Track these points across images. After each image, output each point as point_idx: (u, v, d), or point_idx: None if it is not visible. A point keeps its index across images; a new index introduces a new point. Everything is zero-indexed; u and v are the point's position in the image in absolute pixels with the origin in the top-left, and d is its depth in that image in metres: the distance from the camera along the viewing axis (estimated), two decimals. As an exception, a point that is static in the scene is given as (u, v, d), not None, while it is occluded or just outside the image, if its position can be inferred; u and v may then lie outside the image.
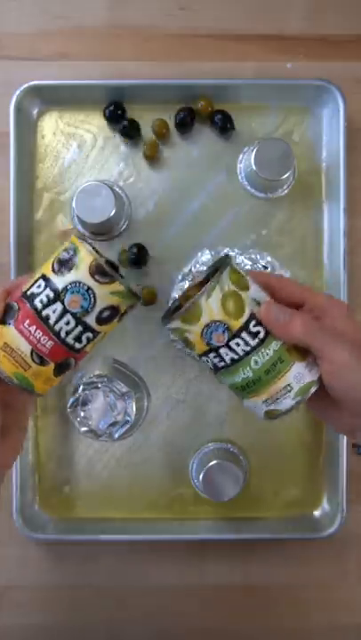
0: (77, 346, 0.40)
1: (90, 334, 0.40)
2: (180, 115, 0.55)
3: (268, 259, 0.50)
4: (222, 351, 0.38)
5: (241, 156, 0.56)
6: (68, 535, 0.56)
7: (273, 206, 0.57)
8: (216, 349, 0.39)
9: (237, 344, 0.38)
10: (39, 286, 0.39)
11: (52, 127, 0.57)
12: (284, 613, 0.58)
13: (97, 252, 0.40)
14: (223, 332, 0.38)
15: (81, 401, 0.50)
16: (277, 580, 0.58)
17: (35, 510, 0.57)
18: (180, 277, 0.51)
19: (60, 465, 0.57)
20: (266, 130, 0.57)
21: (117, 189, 0.54)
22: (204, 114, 0.55)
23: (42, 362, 0.40)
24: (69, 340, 0.40)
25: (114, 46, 0.57)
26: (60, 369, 0.41)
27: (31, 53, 0.57)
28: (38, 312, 0.39)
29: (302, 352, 0.39)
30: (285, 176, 0.53)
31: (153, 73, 0.56)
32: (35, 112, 0.56)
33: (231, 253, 0.40)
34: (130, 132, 0.55)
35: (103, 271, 0.38)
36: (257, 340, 0.38)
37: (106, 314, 0.40)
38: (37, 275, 0.40)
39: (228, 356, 0.39)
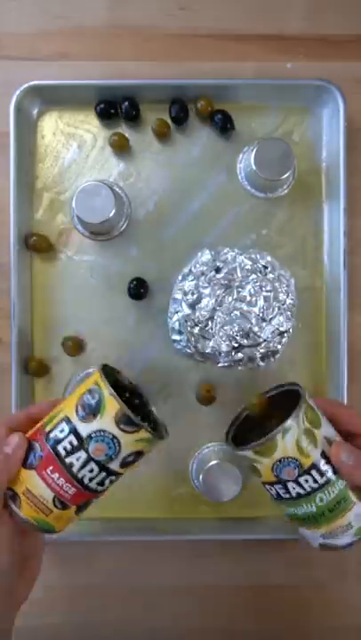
0: (99, 489, 0.40)
1: (113, 477, 0.40)
2: (175, 108, 0.55)
3: (268, 258, 0.50)
4: (290, 485, 0.40)
5: (241, 155, 0.56)
6: (68, 535, 0.56)
7: (273, 206, 0.57)
8: (284, 482, 0.40)
9: (306, 480, 0.39)
10: (62, 430, 0.39)
11: (52, 127, 0.57)
12: (284, 613, 0.58)
13: (121, 384, 0.41)
14: (294, 468, 0.39)
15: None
16: (277, 580, 0.58)
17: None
18: (180, 277, 0.51)
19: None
20: (266, 130, 0.57)
21: (117, 189, 0.54)
22: (204, 114, 0.56)
23: (64, 507, 0.40)
24: (92, 485, 0.40)
25: (114, 46, 0.57)
26: (81, 509, 0.41)
27: (31, 53, 0.57)
28: (62, 459, 0.39)
29: None
30: (285, 176, 0.53)
31: (153, 73, 0.56)
32: (35, 112, 0.56)
33: (305, 393, 0.42)
34: (129, 111, 0.55)
35: (129, 420, 0.38)
36: (325, 479, 0.39)
37: (130, 459, 0.40)
38: (60, 414, 0.40)
39: (294, 490, 0.40)
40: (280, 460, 0.39)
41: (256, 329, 0.47)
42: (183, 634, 0.58)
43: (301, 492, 0.40)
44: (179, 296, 0.49)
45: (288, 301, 0.49)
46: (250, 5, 0.57)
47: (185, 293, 0.48)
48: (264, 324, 0.47)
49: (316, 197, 0.57)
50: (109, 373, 0.42)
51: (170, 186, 0.57)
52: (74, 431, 0.38)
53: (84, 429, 0.38)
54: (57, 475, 0.39)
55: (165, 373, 0.57)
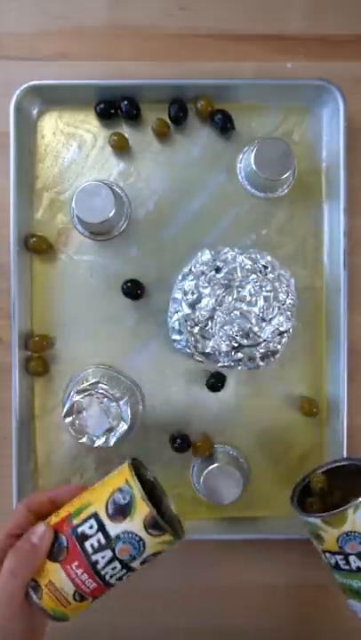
0: (117, 583, 0.41)
1: (130, 573, 0.41)
2: (174, 108, 0.55)
3: (268, 258, 0.50)
4: (352, 558, 0.41)
5: (241, 155, 0.56)
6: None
7: (273, 206, 0.57)
8: (346, 555, 0.41)
9: None
10: (91, 527, 0.39)
11: (52, 127, 0.57)
12: (285, 613, 0.58)
13: (144, 478, 0.42)
14: (360, 543, 0.40)
15: (75, 409, 0.50)
16: (277, 580, 0.58)
17: (35, 510, 0.57)
18: (180, 277, 0.51)
19: (60, 466, 0.57)
20: (266, 130, 0.57)
21: (117, 189, 0.54)
22: (204, 114, 0.56)
23: (82, 599, 0.41)
24: (112, 581, 0.41)
25: (114, 46, 0.57)
26: (95, 599, 0.42)
27: (31, 53, 0.57)
28: (88, 556, 0.39)
29: None
30: (285, 176, 0.53)
31: (153, 73, 0.56)
32: (35, 112, 0.56)
33: None
34: (130, 110, 0.55)
35: (157, 524, 0.39)
36: None
37: (150, 557, 0.41)
38: (89, 508, 0.40)
39: (355, 563, 0.41)
40: (347, 534, 0.40)
41: (256, 329, 0.47)
42: (183, 634, 0.58)
43: None
44: (179, 296, 0.49)
45: (288, 301, 0.49)
46: (250, 5, 0.57)
47: (185, 293, 0.48)
48: (264, 324, 0.47)
49: (316, 197, 0.57)
50: (137, 467, 0.43)
51: (170, 186, 0.57)
52: (102, 530, 0.39)
53: (113, 530, 0.39)
54: (81, 570, 0.40)
55: (165, 373, 0.57)
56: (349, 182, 0.54)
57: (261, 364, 0.49)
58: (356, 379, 0.56)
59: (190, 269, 0.50)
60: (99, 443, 0.51)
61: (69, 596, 0.40)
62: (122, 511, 0.39)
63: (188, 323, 0.48)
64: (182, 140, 0.57)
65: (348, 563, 0.41)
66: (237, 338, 0.47)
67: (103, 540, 0.39)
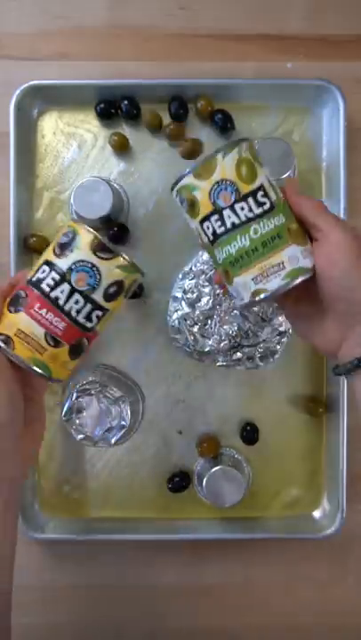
0: (89, 325, 0.41)
1: (99, 312, 0.41)
2: (174, 105, 0.55)
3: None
4: (225, 213, 0.39)
5: (241, 155, 0.56)
6: (67, 535, 0.56)
7: (273, 206, 0.57)
8: (220, 211, 0.39)
9: (242, 208, 0.38)
10: (44, 271, 0.40)
11: (52, 127, 0.57)
12: (284, 613, 0.58)
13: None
14: (231, 192, 0.38)
15: (75, 408, 0.50)
16: (277, 580, 0.58)
17: (35, 510, 0.57)
18: (180, 276, 0.51)
19: (60, 465, 0.57)
20: (266, 129, 0.57)
21: (116, 185, 0.54)
22: (204, 113, 0.56)
23: (56, 344, 0.40)
24: (80, 319, 0.40)
25: (114, 46, 0.57)
26: (75, 351, 0.41)
27: (31, 53, 0.57)
28: (47, 295, 0.40)
29: (302, 238, 0.39)
30: (285, 175, 0.53)
31: (153, 73, 0.56)
32: (35, 112, 0.57)
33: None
34: (130, 110, 0.55)
35: (105, 247, 0.39)
36: (261, 210, 0.38)
37: (112, 289, 0.40)
38: (39, 262, 0.41)
39: (230, 219, 0.39)
40: (218, 183, 0.38)
41: (255, 329, 0.47)
42: (183, 634, 0.58)
43: (236, 221, 0.38)
44: (179, 294, 0.49)
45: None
46: (250, 5, 0.57)
47: (185, 292, 0.49)
48: (263, 324, 0.48)
49: (316, 197, 0.57)
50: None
51: (170, 186, 0.56)
52: (54, 268, 0.40)
53: (64, 263, 0.40)
54: (45, 310, 0.40)
55: (165, 373, 0.57)
56: (349, 182, 0.54)
57: (260, 363, 0.49)
58: (357, 378, 0.55)
59: (190, 268, 0.50)
60: (98, 442, 0.51)
61: (41, 340, 0.40)
62: (68, 247, 0.40)
63: (188, 322, 0.48)
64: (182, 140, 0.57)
65: (223, 222, 0.39)
66: (237, 337, 0.47)
67: (57, 276, 0.39)
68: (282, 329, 0.48)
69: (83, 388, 0.51)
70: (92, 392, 0.50)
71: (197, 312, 0.47)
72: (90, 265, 0.39)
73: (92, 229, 0.40)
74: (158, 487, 0.57)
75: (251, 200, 0.38)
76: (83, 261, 0.39)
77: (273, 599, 0.58)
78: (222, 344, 0.47)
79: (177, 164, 0.56)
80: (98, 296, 0.40)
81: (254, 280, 0.39)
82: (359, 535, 0.58)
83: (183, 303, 0.48)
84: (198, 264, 0.49)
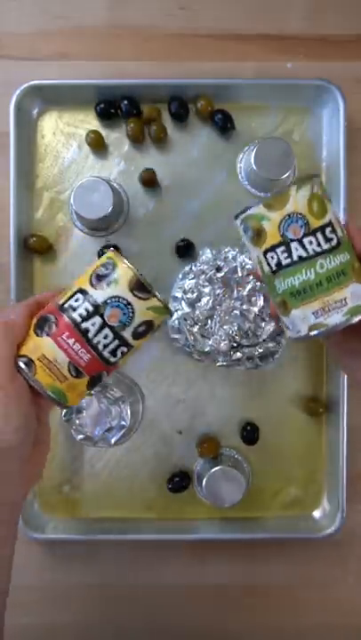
0: (112, 359, 0.40)
1: (125, 348, 0.40)
2: (174, 104, 0.55)
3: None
4: (293, 246, 0.39)
5: (241, 155, 0.56)
6: (67, 535, 0.56)
7: (273, 206, 0.57)
8: (288, 243, 0.39)
9: (310, 242, 0.39)
10: (77, 300, 0.39)
11: (52, 127, 0.57)
12: (284, 613, 0.58)
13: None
14: (301, 226, 0.38)
15: (75, 408, 0.50)
16: (277, 580, 0.58)
17: (35, 510, 0.57)
18: (180, 276, 0.51)
19: (60, 465, 0.57)
20: (266, 129, 0.57)
21: (116, 185, 0.54)
22: (204, 113, 0.56)
23: (78, 374, 0.40)
24: (106, 353, 0.40)
25: (114, 46, 0.57)
26: (93, 382, 0.41)
27: (31, 53, 0.57)
28: (77, 325, 0.39)
29: None
30: (285, 175, 0.53)
31: (153, 73, 0.56)
32: (35, 112, 0.57)
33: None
34: (130, 110, 0.55)
35: (142, 287, 0.39)
36: (329, 246, 0.39)
37: (142, 329, 0.40)
38: (73, 289, 0.40)
39: (297, 251, 0.39)
40: (290, 215, 0.39)
41: (255, 329, 0.47)
42: (183, 634, 0.58)
43: (303, 254, 0.39)
44: (179, 294, 0.49)
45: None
46: (250, 5, 0.57)
47: (185, 292, 0.49)
48: (263, 324, 0.48)
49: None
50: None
51: (170, 185, 0.57)
52: (89, 298, 0.39)
53: (100, 296, 0.39)
54: (73, 340, 0.39)
55: (166, 373, 0.57)
56: (349, 182, 0.54)
57: (260, 364, 0.49)
58: (357, 378, 0.55)
59: (191, 268, 0.50)
60: (98, 442, 0.51)
61: (64, 369, 0.39)
62: (106, 279, 0.39)
63: (188, 321, 0.48)
64: (182, 140, 0.57)
65: (290, 254, 0.39)
66: (237, 337, 0.47)
67: (91, 308, 0.39)
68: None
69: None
70: (92, 392, 0.50)
71: (197, 312, 0.47)
72: (125, 302, 0.39)
73: (132, 266, 0.39)
74: (158, 487, 0.57)
75: (320, 235, 0.39)
76: (119, 297, 0.39)
77: (273, 599, 0.58)
78: (222, 344, 0.47)
79: (177, 165, 0.56)
80: (127, 334, 0.40)
81: (315, 314, 0.39)
82: (359, 535, 0.58)
83: (183, 303, 0.48)
84: (198, 264, 0.49)
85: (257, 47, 0.57)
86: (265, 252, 0.40)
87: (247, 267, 0.48)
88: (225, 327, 0.47)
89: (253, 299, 0.47)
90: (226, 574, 0.58)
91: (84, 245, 0.56)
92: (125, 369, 0.56)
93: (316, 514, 0.57)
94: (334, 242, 0.39)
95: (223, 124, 0.55)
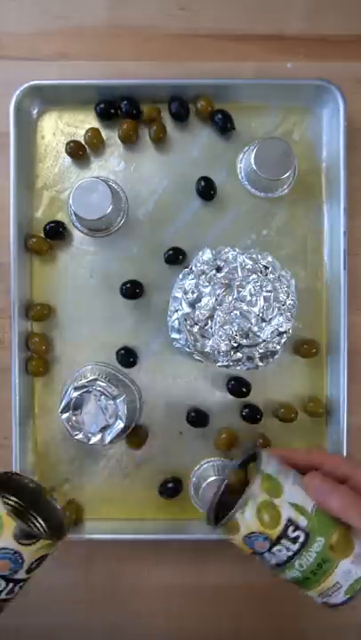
0: (10, 597, 0.41)
1: (21, 584, 0.41)
2: (175, 104, 0.55)
3: (269, 259, 0.49)
4: (266, 556, 0.40)
5: (241, 155, 0.56)
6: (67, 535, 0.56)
7: (273, 206, 0.57)
8: (261, 554, 0.40)
9: (279, 550, 0.39)
10: None
11: (52, 127, 0.57)
12: (285, 613, 0.58)
13: (19, 483, 0.42)
14: (263, 540, 0.39)
15: (72, 405, 0.50)
16: (277, 580, 0.58)
17: (34, 510, 0.57)
18: (180, 276, 0.51)
19: (60, 465, 0.57)
20: (266, 129, 0.57)
21: (114, 185, 0.54)
22: (204, 114, 0.56)
23: None
24: (2, 596, 0.40)
25: (114, 46, 0.57)
26: None
27: (31, 53, 0.57)
28: None
29: (347, 546, 0.39)
30: (285, 176, 0.53)
31: (153, 73, 0.56)
32: (35, 112, 0.57)
33: (264, 453, 0.42)
34: (130, 110, 0.55)
35: (29, 534, 0.39)
36: (298, 545, 0.39)
37: (35, 564, 0.41)
38: None
39: (272, 560, 0.40)
40: (248, 536, 0.39)
41: (256, 329, 0.47)
42: (183, 634, 0.58)
43: (279, 561, 0.39)
44: (179, 294, 0.49)
45: (288, 302, 0.49)
46: (250, 5, 0.57)
47: (185, 292, 0.48)
48: (264, 325, 0.47)
49: (316, 197, 0.57)
50: (3, 480, 0.43)
51: (170, 185, 0.57)
52: None
53: None
54: None
55: (165, 373, 0.57)
56: (349, 182, 0.54)
57: (260, 364, 0.49)
58: (356, 379, 0.55)
59: (191, 268, 0.50)
60: (94, 440, 0.51)
61: None
62: None
63: (188, 322, 0.48)
64: (182, 140, 0.57)
65: (267, 562, 0.40)
66: (237, 338, 0.47)
67: None
68: (282, 329, 0.48)
69: (81, 384, 0.51)
70: (90, 389, 0.50)
71: (197, 312, 0.47)
72: (12, 552, 0.39)
73: (13, 515, 0.39)
74: (158, 487, 0.57)
75: (284, 541, 0.39)
76: (5, 549, 0.39)
77: (273, 599, 0.58)
78: (222, 344, 0.47)
79: (177, 165, 0.56)
80: (21, 575, 0.40)
81: (320, 597, 0.40)
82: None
83: (183, 303, 0.48)
84: (198, 264, 0.49)
85: (257, 47, 0.57)
86: (252, 554, 0.41)
87: (247, 267, 0.48)
88: (225, 327, 0.47)
89: (254, 299, 0.47)
90: (226, 574, 0.58)
91: (84, 245, 0.56)
92: (124, 368, 0.56)
93: (316, 514, 0.57)
94: (301, 538, 0.39)
95: (223, 124, 0.55)
